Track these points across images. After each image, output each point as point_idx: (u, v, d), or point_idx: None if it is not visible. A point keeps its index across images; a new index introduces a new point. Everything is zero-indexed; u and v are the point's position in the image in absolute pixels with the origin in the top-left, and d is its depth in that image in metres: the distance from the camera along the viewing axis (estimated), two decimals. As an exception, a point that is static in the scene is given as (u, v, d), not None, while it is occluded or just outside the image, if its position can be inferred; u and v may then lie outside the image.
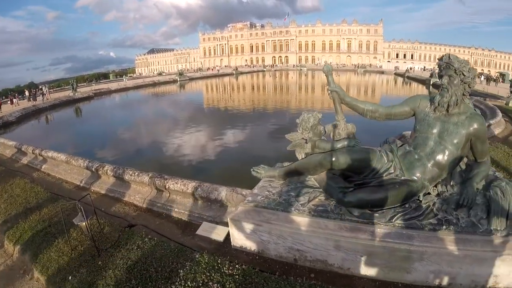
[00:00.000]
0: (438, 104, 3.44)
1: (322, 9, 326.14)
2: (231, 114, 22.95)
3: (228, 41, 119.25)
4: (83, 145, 14.55)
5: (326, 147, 3.94)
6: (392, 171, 3.58)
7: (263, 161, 10.35)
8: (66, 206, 5.47)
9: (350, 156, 3.59)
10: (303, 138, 4.26)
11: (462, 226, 3.31)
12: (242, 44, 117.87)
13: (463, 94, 3.41)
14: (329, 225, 3.54)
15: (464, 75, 3.29)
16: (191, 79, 58.20)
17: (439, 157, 3.43)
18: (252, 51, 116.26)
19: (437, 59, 3.61)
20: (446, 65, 3.36)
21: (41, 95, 34.26)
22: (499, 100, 19.64)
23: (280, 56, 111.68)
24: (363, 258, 3.39)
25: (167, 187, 5.57)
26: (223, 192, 5.09)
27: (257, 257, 3.93)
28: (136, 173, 6.11)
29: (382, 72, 72.41)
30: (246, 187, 5.20)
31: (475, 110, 3.53)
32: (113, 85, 48.48)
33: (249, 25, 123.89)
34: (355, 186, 3.67)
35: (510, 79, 31.90)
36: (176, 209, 5.40)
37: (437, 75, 3.92)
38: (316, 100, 30.06)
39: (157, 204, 5.66)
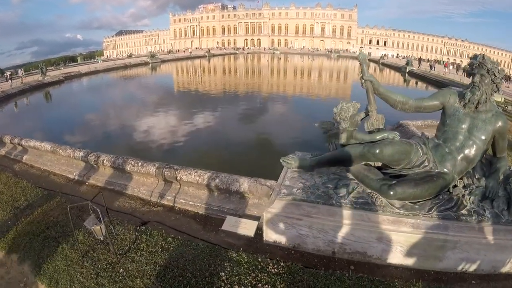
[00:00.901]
0: (469, 101, 3.58)
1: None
2: (206, 97, 22.62)
3: (199, 22, 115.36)
4: (59, 132, 13.54)
5: (364, 138, 3.81)
6: (427, 164, 3.65)
7: (241, 144, 10.52)
8: (61, 203, 4.89)
9: (393, 148, 3.57)
10: (337, 127, 4.04)
11: (488, 216, 3.50)
12: (213, 26, 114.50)
13: (491, 94, 3.58)
14: (372, 217, 3.54)
15: (495, 76, 3.47)
16: (163, 61, 55.86)
17: (468, 151, 3.60)
18: (224, 33, 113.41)
19: (470, 58, 3.80)
20: (479, 64, 3.51)
21: (9, 80, 31.67)
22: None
23: (253, 39, 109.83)
24: (402, 249, 3.48)
25: (178, 178, 5.07)
26: (245, 184, 4.72)
27: (292, 251, 3.77)
28: (140, 163, 5.54)
29: (356, 58, 73.04)
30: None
31: (498, 108, 3.74)
32: (84, 68, 45.57)
33: (220, 7, 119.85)
34: (391, 179, 3.67)
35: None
36: (190, 202, 4.96)
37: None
38: (289, 83, 30.06)
39: (167, 197, 5.18)
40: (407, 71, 40.10)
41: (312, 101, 21.01)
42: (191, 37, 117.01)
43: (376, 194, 3.62)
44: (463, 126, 3.61)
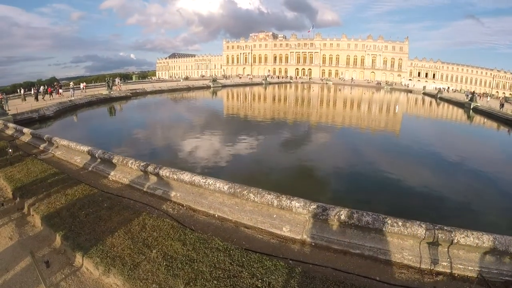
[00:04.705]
0: None
1: (341, 23, 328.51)
2: (278, 124, 23.28)
3: (251, 50, 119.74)
4: (143, 150, 14.11)
5: None
6: None
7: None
8: (310, 279, 3.80)
9: None
10: None
11: None
12: (265, 54, 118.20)
13: None
14: None
15: None
16: (224, 86, 57.89)
17: None
18: (275, 61, 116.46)
19: None
20: None
21: (71, 90, 35.13)
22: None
23: (304, 69, 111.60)
24: None
25: (455, 241, 4.60)
26: None
27: None
28: (401, 223, 4.77)
29: (410, 91, 71.13)
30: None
31: None
32: (148, 86, 48.98)
33: (271, 35, 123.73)
34: None
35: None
36: (470, 267, 4.46)
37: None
38: (361, 116, 29.31)
39: (442, 263, 4.59)
40: (471, 107, 38.27)
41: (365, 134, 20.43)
42: (243, 64, 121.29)
43: None
44: None
